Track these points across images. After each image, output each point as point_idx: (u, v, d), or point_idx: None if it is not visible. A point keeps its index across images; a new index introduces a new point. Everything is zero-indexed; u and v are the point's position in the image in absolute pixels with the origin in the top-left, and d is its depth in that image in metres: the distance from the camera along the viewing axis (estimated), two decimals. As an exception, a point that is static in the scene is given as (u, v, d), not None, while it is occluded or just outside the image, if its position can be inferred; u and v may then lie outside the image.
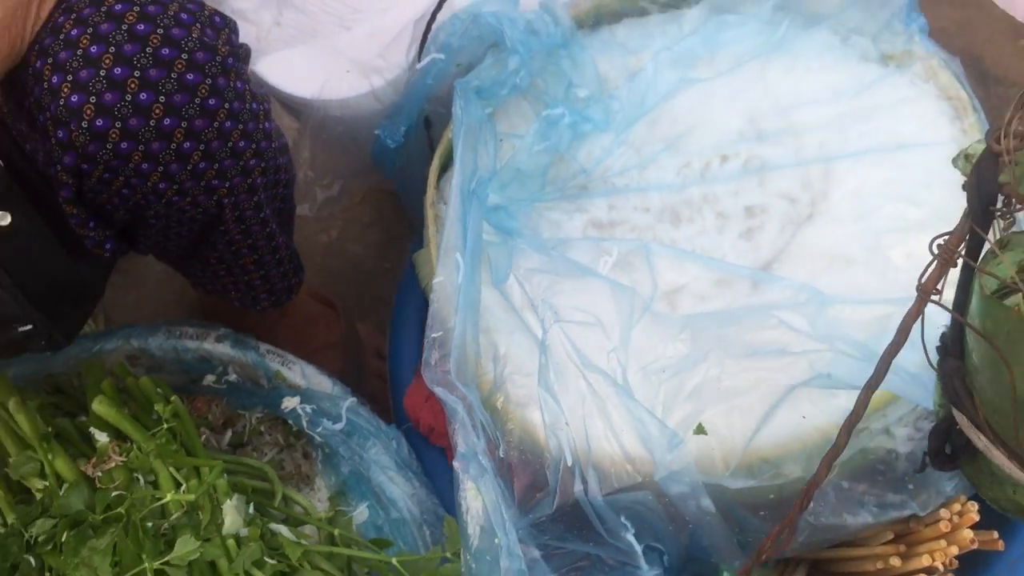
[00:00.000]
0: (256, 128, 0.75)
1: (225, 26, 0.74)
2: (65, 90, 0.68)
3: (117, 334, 1.01)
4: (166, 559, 0.75)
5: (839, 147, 0.90)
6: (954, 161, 0.47)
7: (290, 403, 0.96)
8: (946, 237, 0.46)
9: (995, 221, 0.46)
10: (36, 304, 0.83)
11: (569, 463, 0.71)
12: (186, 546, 0.75)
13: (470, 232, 0.82)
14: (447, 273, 0.80)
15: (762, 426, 0.74)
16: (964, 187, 0.46)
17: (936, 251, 0.47)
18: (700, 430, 0.72)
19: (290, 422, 0.97)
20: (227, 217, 0.79)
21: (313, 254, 1.22)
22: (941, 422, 0.59)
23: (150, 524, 0.77)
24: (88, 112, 0.68)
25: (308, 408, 0.96)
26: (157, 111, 0.69)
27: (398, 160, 0.96)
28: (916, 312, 0.47)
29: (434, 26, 0.90)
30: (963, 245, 0.47)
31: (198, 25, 0.71)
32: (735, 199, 0.91)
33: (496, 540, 0.70)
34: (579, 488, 0.71)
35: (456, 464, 0.74)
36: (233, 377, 1.00)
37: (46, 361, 0.98)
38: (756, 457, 0.74)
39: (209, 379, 1.00)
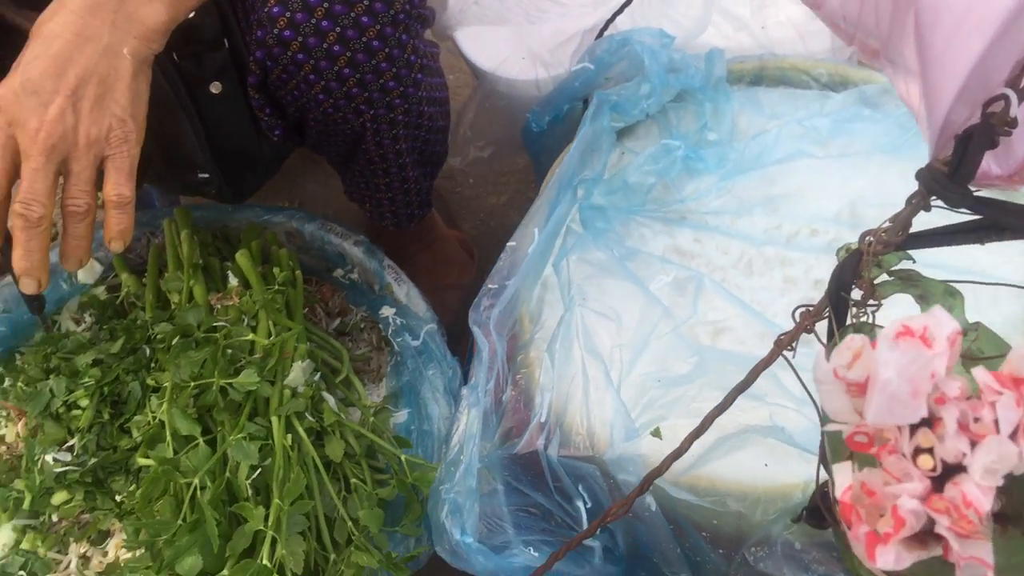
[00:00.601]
0: (407, 75, 0.92)
1: None
2: (271, 1, 0.87)
3: (285, 212, 1.22)
4: (231, 381, 0.94)
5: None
6: (837, 251, 0.56)
7: (387, 312, 1.14)
8: (809, 308, 0.55)
9: (852, 310, 0.55)
10: (218, 160, 1.06)
11: (542, 420, 0.84)
12: (248, 378, 0.94)
13: (555, 215, 0.96)
14: (520, 240, 0.94)
15: (718, 455, 0.82)
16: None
17: (798, 317, 0.56)
18: (656, 433, 0.82)
19: (381, 327, 1.15)
20: (368, 139, 0.97)
21: (478, 210, 1.40)
22: (822, 484, 0.67)
23: (230, 351, 0.96)
24: (281, 23, 0.87)
25: (399, 320, 1.13)
26: (331, 37, 0.87)
27: (540, 144, 1.10)
28: (767, 361, 0.56)
29: (595, 40, 1.03)
30: (822, 318, 0.55)
31: None
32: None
33: (462, 456, 0.83)
34: (541, 443, 0.83)
35: (464, 390, 0.88)
36: (356, 277, 1.19)
37: (226, 215, 1.21)
38: (704, 479, 0.83)
39: (339, 272, 1.20)
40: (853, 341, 0.38)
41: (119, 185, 0.79)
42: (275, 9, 0.86)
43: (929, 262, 0.63)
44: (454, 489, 0.82)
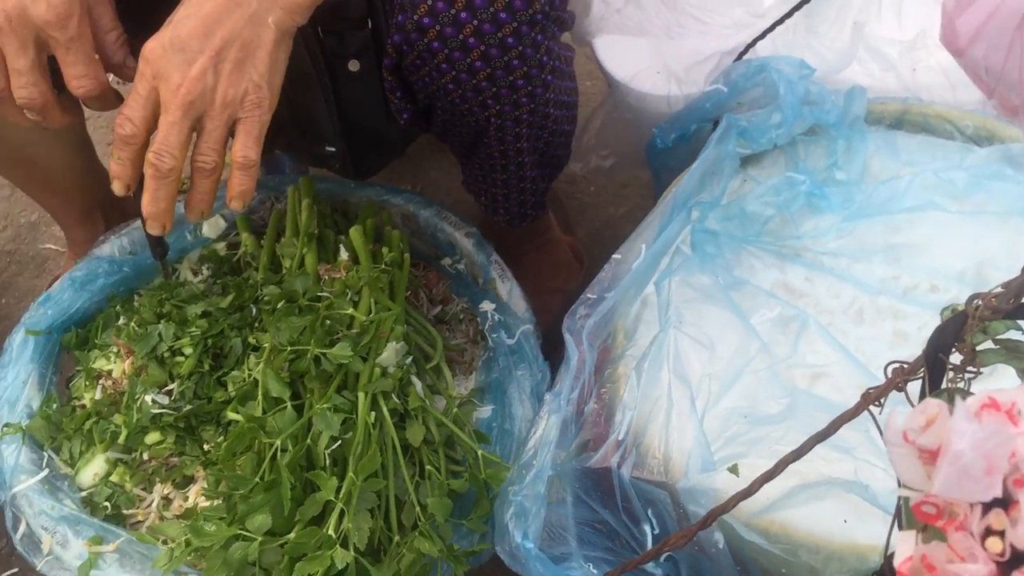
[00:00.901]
0: (537, 75, 0.92)
1: None
2: None
3: (404, 195, 1.24)
4: (326, 351, 0.96)
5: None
6: (942, 310, 0.54)
7: (487, 306, 1.15)
8: (904, 364, 0.53)
9: (949, 374, 0.52)
10: (346, 136, 1.08)
11: (620, 438, 0.83)
12: (342, 350, 0.96)
13: (665, 233, 0.94)
14: (626, 254, 0.93)
15: (795, 502, 0.80)
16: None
17: (890, 373, 0.53)
18: (734, 469, 0.81)
19: (479, 320, 1.15)
20: (491, 134, 0.98)
21: (595, 218, 1.40)
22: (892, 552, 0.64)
23: (329, 322, 0.99)
24: (422, 9, 0.88)
25: (497, 316, 1.13)
26: (468, 29, 0.88)
27: (663, 161, 1.09)
28: (851, 413, 0.54)
29: (732, 63, 1.01)
30: (915, 378, 0.53)
31: None
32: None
33: (535, 461, 0.83)
34: (615, 461, 0.82)
35: (547, 395, 0.88)
36: (462, 267, 1.20)
37: (348, 190, 1.24)
38: (777, 525, 0.81)
39: (446, 261, 1.21)
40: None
41: (246, 148, 0.81)
42: (420, -2, 0.88)
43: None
44: (522, 492, 0.82)
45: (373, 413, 0.95)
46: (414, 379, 1.02)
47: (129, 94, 0.81)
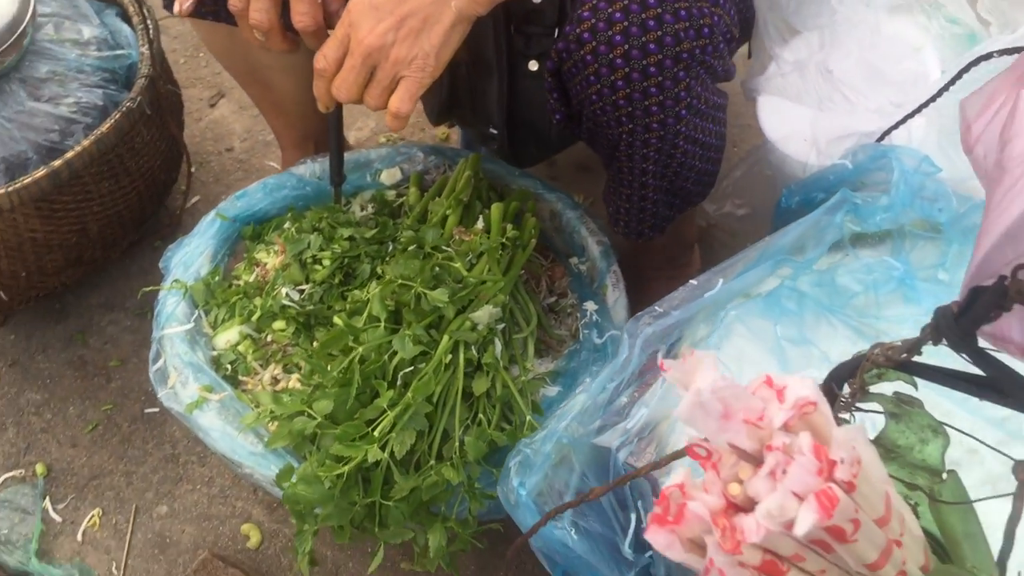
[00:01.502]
0: (671, 107, 1.03)
1: (710, 42, 1.01)
2: (587, 6, 1.01)
3: (557, 194, 1.36)
4: (427, 292, 1.10)
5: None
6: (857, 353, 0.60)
7: (590, 306, 1.25)
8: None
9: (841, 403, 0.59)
10: (510, 124, 1.23)
11: (628, 426, 0.92)
12: (440, 295, 1.10)
13: (744, 276, 1.02)
14: (703, 283, 1.01)
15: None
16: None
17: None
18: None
19: (579, 316, 1.27)
20: (621, 150, 1.09)
21: (711, 261, 1.45)
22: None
23: (439, 270, 1.13)
24: (585, 26, 1.00)
25: (595, 316, 1.24)
26: (618, 51, 0.99)
27: (784, 220, 1.16)
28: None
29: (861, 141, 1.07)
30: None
31: (688, 23, 0.99)
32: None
33: (551, 423, 0.94)
34: (616, 443, 0.91)
35: (587, 378, 0.98)
36: (584, 269, 1.31)
37: (510, 177, 1.37)
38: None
39: (574, 260, 1.33)
40: (693, 353, 0.45)
41: (401, 101, 0.97)
42: (585, 14, 1.01)
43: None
44: (531, 446, 0.93)
45: (450, 356, 1.09)
46: (497, 341, 1.14)
47: (330, 37, 0.99)
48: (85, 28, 1.47)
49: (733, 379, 0.44)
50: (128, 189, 1.43)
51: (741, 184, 1.24)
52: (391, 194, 1.37)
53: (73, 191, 1.33)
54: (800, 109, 1.17)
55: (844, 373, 0.59)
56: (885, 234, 1.09)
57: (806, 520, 0.42)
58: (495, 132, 1.24)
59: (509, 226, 1.22)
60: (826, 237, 1.05)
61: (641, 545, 0.97)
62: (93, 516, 1.38)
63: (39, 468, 1.42)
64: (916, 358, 0.58)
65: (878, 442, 0.60)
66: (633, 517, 0.94)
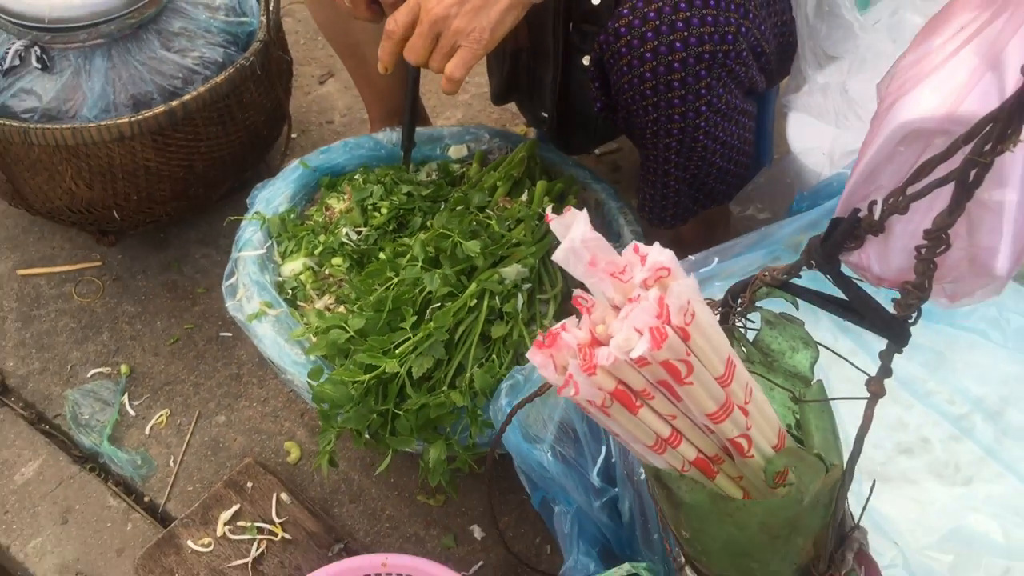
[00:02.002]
0: (692, 103, 1.16)
1: (733, 47, 1.15)
2: (627, 5, 1.16)
3: (603, 185, 1.51)
4: (462, 241, 1.26)
5: None
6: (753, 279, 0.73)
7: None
8: (715, 300, 0.73)
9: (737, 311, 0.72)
10: (560, 110, 1.38)
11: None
12: (474, 246, 1.25)
13: (738, 259, 1.14)
14: (699, 259, 1.14)
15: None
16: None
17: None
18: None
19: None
20: (647, 137, 1.22)
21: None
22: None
23: (475, 225, 1.29)
24: (623, 22, 1.15)
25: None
26: (648, 46, 1.13)
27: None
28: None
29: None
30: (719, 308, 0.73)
31: (713, 28, 1.13)
32: (919, 426, 1.07)
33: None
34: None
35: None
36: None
37: (564, 164, 1.53)
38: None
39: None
40: (571, 209, 0.59)
41: (456, 68, 1.13)
42: (624, 11, 1.15)
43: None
44: (523, 372, 1.07)
45: (475, 300, 1.24)
46: (520, 296, 1.29)
47: (403, 5, 1.16)
48: (217, -4, 1.69)
49: (601, 236, 0.58)
50: (233, 137, 1.63)
51: (764, 190, 1.35)
52: (455, 166, 1.53)
53: (185, 130, 1.54)
54: (821, 126, 1.29)
55: (739, 289, 0.72)
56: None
57: (640, 346, 0.55)
58: (546, 116, 1.40)
59: (548, 200, 1.37)
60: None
61: (608, 477, 1.10)
62: (161, 415, 1.57)
63: (123, 368, 1.62)
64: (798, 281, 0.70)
65: (756, 343, 0.72)
66: (603, 449, 1.07)
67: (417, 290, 1.23)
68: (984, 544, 0.95)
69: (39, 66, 1.54)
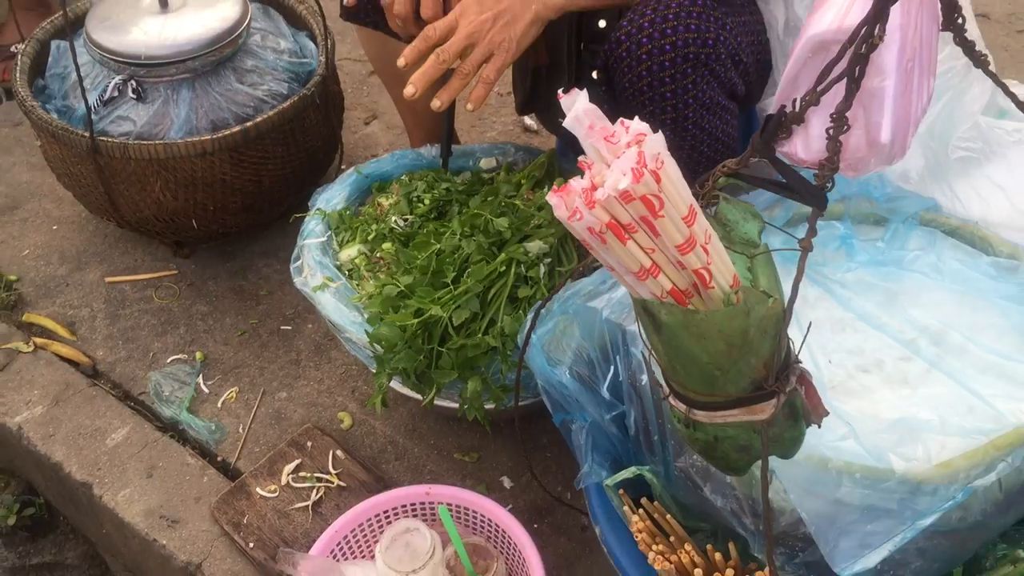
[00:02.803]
0: (682, 95, 1.41)
1: (713, 51, 1.40)
2: (625, 20, 1.43)
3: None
4: (493, 219, 1.51)
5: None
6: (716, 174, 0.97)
7: (621, 261, 1.63)
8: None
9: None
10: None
11: (614, 295, 1.28)
12: (501, 222, 1.50)
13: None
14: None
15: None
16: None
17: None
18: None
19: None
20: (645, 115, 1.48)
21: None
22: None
23: (504, 206, 1.54)
24: (621, 32, 1.41)
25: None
26: (643, 50, 1.39)
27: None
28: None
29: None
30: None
31: (696, 34, 1.38)
32: (875, 350, 1.29)
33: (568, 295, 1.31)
34: (602, 304, 1.28)
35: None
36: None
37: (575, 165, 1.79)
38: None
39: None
40: (575, 92, 0.84)
41: (490, 71, 1.40)
42: (624, 23, 1.42)
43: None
44: (546, 305, 1.30)
45: (504, 266, 1.49)
46: (542, 266, 1.53)
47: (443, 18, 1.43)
48: (282, 41, 1.99)
49: (596, 108, 0.83)
50: (295, 158, 1.91)
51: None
52: (487, 175, 1.80)
53: (256, 148, 1.82)
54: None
55: (705, 180, 0.96)
56: (839, 211, 1.44)
57: (624, 181, 0.79)
58: (562, 122, 1.66)
59: (563, 187, 1.63)
60: (791, 206, 1.41)
61: (616, 394, 1.32)
62: (231, 392, 1.81)
63: (198, 354, 1.87)
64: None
65: (716, 215, 0.96)
66: (611, 368, 1.30)
67: (456, 255, 1.48)
68: (923, 427, 1.16)
69: (134, 96, 1.83)
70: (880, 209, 1.41)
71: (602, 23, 1.54)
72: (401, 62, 1.43)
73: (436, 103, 1.43)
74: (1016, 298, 1.28)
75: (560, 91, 0.86)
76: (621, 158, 0.81)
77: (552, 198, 0.84)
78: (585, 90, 0.84)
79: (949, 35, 0.99)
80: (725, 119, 1.52)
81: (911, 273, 1.35)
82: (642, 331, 0.94)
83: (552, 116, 1.72)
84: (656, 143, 0.81)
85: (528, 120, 2.39)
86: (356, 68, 2.55)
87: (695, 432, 0.99)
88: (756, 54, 1.60)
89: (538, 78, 1.69)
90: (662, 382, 0.99)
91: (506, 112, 2.40)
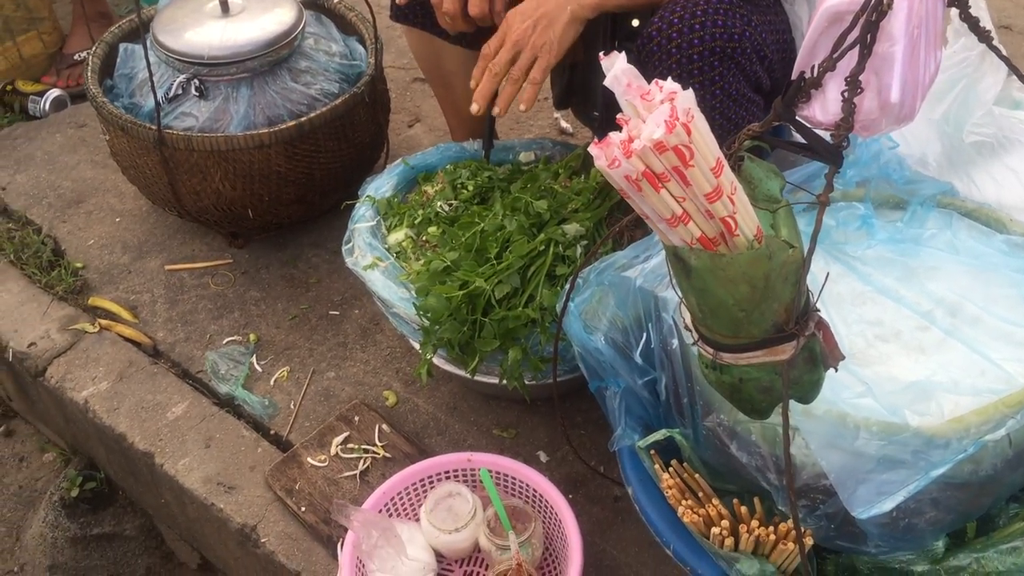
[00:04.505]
0: (709, 87, 1.51)
1: (739, 45, 1.50)
2: (657, 17, 1.53)
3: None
4: (533, 201, 1.61)
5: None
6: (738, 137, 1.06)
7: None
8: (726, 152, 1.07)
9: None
10: (605, 109, 1.75)
11: (647, 266, 1.38)
12: (541, 205, 1.60)
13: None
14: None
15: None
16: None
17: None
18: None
19: (645, 252, 1.73)
20: None
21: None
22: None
23: (542, 190, 1.64)
24: (653, 28, 1.52)
25: (655, 252, 1.71)
26: (672, 45, 1.49)
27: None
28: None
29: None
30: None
31: (723, 29, 1.49)
32: (894, 320, 1.37)
33: (604, 267, 1.41)
34: (635, 274, 1.37)
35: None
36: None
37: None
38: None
39: (650, 223, 1.81)
40: (615, 54, 0.94)
41: (537, 72, 1.51)
42: (655, 20, 1.52)
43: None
44: (583, 276, 1.40)
45: (543, 246, 1.59)
46: (578, 247, 1.63)
47: (493, 36, 1.55)
48: (334, 44, 2.12)
49: (634, 68, 0.93)
50: (344, 152, 2.03)
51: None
52: (527, 165, 1.90)
53: (309, 141, 1.94)
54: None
55: (730, 142, 1.05)
56: (860, 194, 1.52)
57: (658, 131, 0.89)
58: (596, 115, 1.77)
59: (599, 176, 1.73)
60: (814, 187, 1.50)
61: (648, 360, 1.41)
62: (283, 371, 1.92)
63: (252, 336, 1.98)
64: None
65: (743, 173, 1.05)
66: (644, 335, 1.39)
67: (499, 234, 1.58)
68: (937, 387, 1.24)
69: (197, 94, 1.96)
70: (900, 192, 1.50)
71: (635, 22, 1.65)
72: (474, 110, 1.53)
73: (496, 110, 1.54)
74: (1027, 271, 1.36)
75: (601, 53, 0.95)
76: (655, 112, 0.91)
77: (593, 149, 0.94)
78: (624, 52, 0.94)
79: (962, 29, 1.09)
80: (751, 111, 1.61)
81: (928, 249, 1.43)
82: (673, 279, 1.04)
83: (588, 109, 1.82)
84: (687, 99, 0.91)
85: (564, 123, 2.49)
86: (400, 75, 2.67)
87: (722, 375, 1.08)
88: (781, 51, 1.69)
89: (574, 74, 1.80)
90: (691, 327, 1.08)
91: (543, 116, 2.51)
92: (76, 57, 2.74)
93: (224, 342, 1.98)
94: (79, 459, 2.09)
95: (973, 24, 1.04)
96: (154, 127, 1.87)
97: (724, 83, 1.53)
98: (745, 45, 1.51)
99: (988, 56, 1.51)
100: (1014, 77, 1.22)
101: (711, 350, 1.06)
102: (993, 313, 1.34)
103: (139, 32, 1.99)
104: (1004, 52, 1.17)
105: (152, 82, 1.84)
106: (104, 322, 2.01)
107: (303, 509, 1.65)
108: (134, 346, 1.97)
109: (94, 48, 2.10)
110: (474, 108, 1.56)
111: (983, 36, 1.05)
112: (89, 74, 2.03)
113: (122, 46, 2.11)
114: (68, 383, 1.91)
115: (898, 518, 1.20)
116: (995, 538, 1.29)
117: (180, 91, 1.96)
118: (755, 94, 1.62)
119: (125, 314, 2.04)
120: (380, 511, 1.53)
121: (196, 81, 1.96)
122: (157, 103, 1.86)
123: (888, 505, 1.17)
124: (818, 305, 1.05)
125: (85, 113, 2.57)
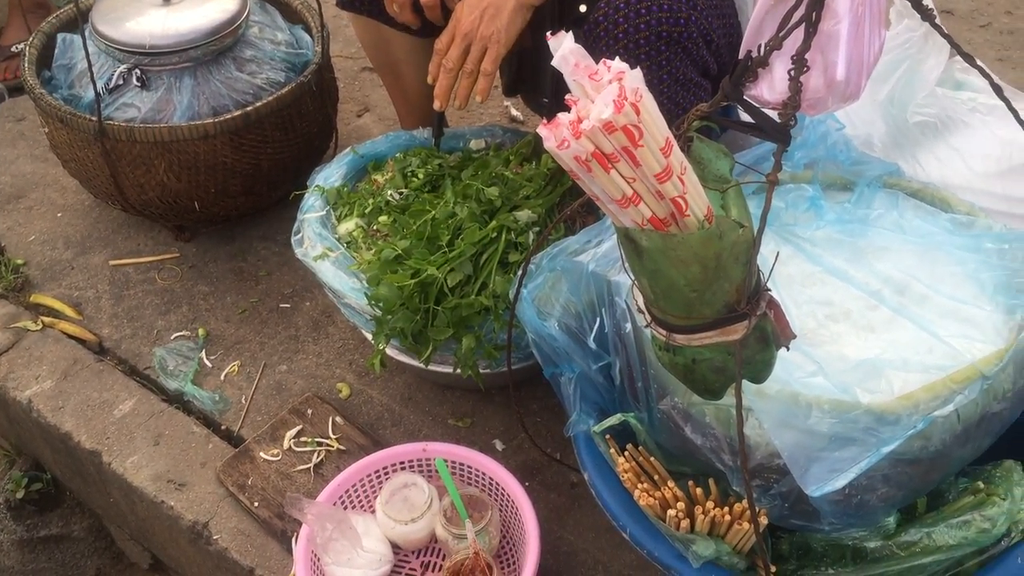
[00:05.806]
0: (657, 71, 1.51)
1: (685, 29, 1.50)
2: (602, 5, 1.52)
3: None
4: (484, 188, 1.60)
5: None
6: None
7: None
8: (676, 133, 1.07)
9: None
10: (555, 95, 1.74)
11: (598, 249, 1.37)
12: (491, 192, 1.59)
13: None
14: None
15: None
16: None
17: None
18: (646, 281, 1.31)
19: (597, 238, 1.73)
20: None
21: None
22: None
23: (494, 176, 1.63)
24: (600, 12, 1.51)
25: (607, 238, 1.71)
26: (620, 29, 1.49)
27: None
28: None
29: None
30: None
31: (668, 13, 1.48)
32: (843, 300, 1.38)
33: (555, 253, 1.40)
34: (587, 259, 1.37)
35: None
36: (607, 213, 1.79)
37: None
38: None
39: (601, 209, 1.81)
40: (562, 34, 0.93)
41: (488, 63, 1.49)
42: (602, 5, 1.50)
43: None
44: (535, 262, 1.39)
45: (496, 233, 1.58)
46: (531, 233, 1.62)
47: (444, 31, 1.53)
48: (279, 33, 2.08)
49: (581, 48, 0.92)
50: (292, 143, 2.00)
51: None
52: (478, 153, 1.89)
53: (255, 132, 1.91)
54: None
55: (682, 121, 1.05)
56: (808, 176, 1.53)
57: (606, 111, 0.88)
58: (546, 101, 1.76)
59: (550, 163, 1.72)
60: (764, 168, 1.50)
61: (603, 345, 1.41)
62: (233, 365, 1.89)
63: (201, 331, 1.95)
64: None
65: (693, 153, 1.05)
66: (597, 319, 1.39)
67: (450, 221, 1.57)
68: (887, 365, 1.25)
69: (139, 84, 1.91)
70: (847, 173, 1.51)
71: (583, 8, 1.64)
72: (437, 107, 1.55)
73: (456, 105, 1.53)
74: (972, 248, 1.38)
75: (548, 33, 0.94)
76: (603, 92, 0.90)
77: (542, 130, 0.93)
78: (571, 32, 0.93)
79: (905, 10, 1.10)
80: (699, 95, 1.62)
81: (876, 230, 1.45)
82: (625, 261, 1.03)
83: (537, 96, 1.81)
84: (635, 79, 0.90)
85: (514, 111, 2.48)
86: (348, 65, 2.64)
87: (675, 356, 1.07)
88: (728, 36, 1.70)
89: (523, 60, 1.79)
90: (644, 309, 1.08)
91: (493, 104, 2.50)
92: (13, 49, 2.67)
93: (172, 338, 1.94)
94: (24, 460, 2.04)
95: (916, 1, 1.05)
96: (94, 118, 1.82)
97: (671, 67, 1.53)
98: (691, 29, 1.51)
99: (931, 37, 1.53)
100: (956, 58, 1.23)
101: (664, 332, 1.06)
102: (940, 291, 1.35)
103: (77, 22, 1.95)
104: (946, 31, 1.18)
105: (91, 72, 1.79)
106: (47, 319, 1.96)
107: (256, 504, 1.62)
108: (79, 343, 1.93)
109: (31, 39, 2.05)
110: (436, 105, 1.56)
111: (926, 14, 1.06)
112: (26, 65, 1.98)
113: (60, 36, 2.06)
114: (11, 382, 1.86)
115: (851, 495, 1.21)
116: (945, 512, 1.30)
117: (121, 81, 1.92)
118: (702, 78, 1.62)
119: (69, 311, 1.99)
120: (335, 504, 1.51)
121: (137, 71, 1.92)
122: (97, 94, 1.81)
123: (840, 482, 1.18)
124: (769, 285, 1.05)
125: (23, 106, 2.51)
